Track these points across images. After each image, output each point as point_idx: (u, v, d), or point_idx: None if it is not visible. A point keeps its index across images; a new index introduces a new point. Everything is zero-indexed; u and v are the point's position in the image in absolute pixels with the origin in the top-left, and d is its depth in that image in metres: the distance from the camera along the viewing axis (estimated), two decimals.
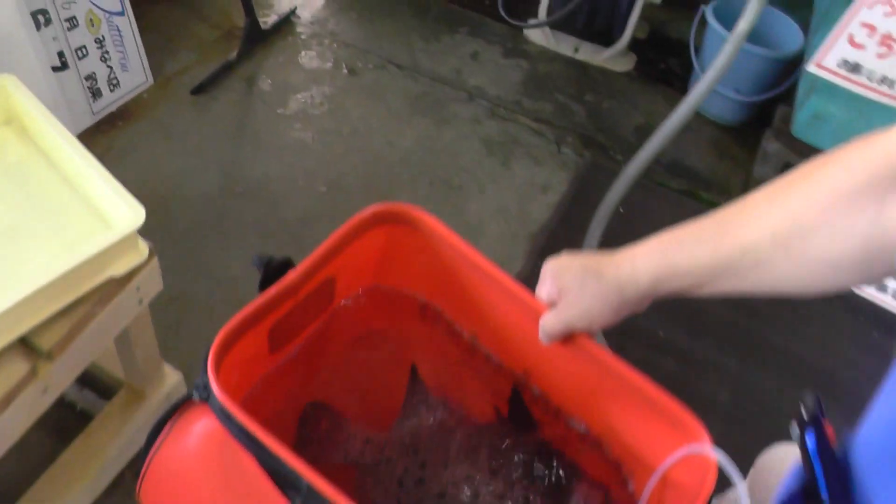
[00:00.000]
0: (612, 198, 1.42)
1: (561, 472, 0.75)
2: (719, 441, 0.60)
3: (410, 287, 0.80)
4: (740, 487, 0.57)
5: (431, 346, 0.81)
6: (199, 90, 2.00)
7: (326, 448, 0.77)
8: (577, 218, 1.71)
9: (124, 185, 0.92)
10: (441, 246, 0.73)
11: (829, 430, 0.53)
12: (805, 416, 0.54)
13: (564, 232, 1.82)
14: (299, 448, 0.76)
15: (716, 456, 0.58)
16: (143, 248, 0.94)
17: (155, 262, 0.96)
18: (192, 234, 1.67)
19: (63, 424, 1.24)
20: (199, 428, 0.64)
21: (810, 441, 0.52)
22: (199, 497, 0.66)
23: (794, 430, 0.53)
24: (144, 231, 0.92)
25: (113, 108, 1.90)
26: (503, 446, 0.78)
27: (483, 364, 0.78)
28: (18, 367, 0.83)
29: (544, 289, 0.69)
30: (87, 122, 1.85)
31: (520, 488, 0.76)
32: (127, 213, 0.89)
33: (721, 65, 1.17)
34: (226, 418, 0.58)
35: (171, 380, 1.23)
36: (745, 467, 0.68)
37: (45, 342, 0.85)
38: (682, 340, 1.67)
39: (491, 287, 0.72)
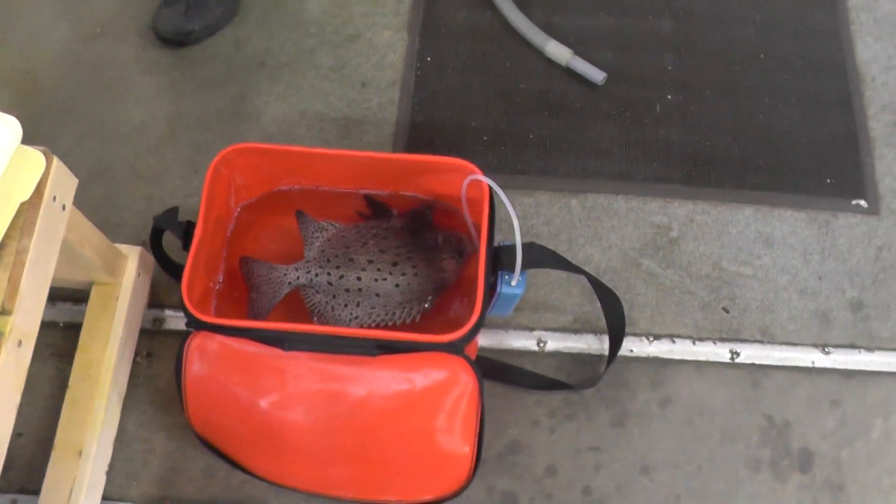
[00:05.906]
0: None
1: (420, 222, 1.10)
2: None
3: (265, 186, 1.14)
4: (505, 201, 0.91)
5: (303, 203, 1.13)
6: None
7: (272, 287, 1.07)
8: None
9: None
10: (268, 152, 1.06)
11: None
12: None
13: None
14: (253, 293, 1.07)
15: (482, 178, 0.96)
16: (37, 155, 0.84)
17: (56, 162, 0.87)
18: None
19: (54, 345, 1.22)
20: (205, 346, 0.93)
21: None
22: (228, 390, 0.93)
23: None
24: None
25: None
26: (380, 233, 1.09)
27: (341, 196, 1.14)
28: None
29: None
30: None
31: (402, 251, 1.08)
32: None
33: None
34: (219, 330, 0.92)
35: (132, 259, 1.17)
36: None
37: None
38: None
39: (318, 157, 1.07)
